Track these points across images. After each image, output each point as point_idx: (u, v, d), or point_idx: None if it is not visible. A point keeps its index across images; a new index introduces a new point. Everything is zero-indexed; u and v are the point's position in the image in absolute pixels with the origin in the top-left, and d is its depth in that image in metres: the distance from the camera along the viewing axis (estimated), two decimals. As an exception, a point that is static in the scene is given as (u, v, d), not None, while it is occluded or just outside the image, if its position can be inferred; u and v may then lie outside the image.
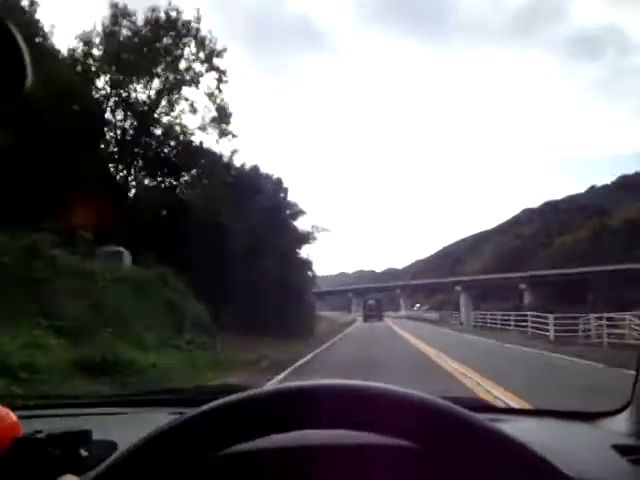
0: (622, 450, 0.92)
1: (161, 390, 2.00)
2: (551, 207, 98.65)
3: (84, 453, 0.76)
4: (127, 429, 0.54)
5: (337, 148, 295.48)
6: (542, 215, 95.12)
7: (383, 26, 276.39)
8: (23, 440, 0.72)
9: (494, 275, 66.26)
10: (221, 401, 0.52)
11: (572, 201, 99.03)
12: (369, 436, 0.56)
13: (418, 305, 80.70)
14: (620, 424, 1.12)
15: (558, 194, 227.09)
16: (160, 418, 0.50)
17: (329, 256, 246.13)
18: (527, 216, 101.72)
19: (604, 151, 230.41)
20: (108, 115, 22.71)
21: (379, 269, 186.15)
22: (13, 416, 0.75)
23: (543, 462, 0.48)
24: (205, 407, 0.52)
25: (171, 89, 23.68)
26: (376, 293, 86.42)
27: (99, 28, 22.65)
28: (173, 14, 23.18)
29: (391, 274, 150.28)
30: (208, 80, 24.49)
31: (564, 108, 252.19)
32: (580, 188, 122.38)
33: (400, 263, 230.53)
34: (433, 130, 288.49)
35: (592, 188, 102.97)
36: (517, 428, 0.89)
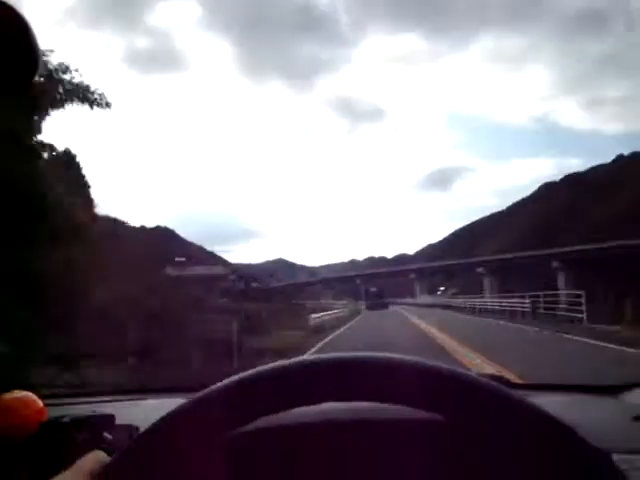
0: None
1: (181, 377, 1.89)
2: (575, 179, 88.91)
3: (108, 436, 0.76)
4: (149, 414, 0.52)
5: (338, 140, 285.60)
6: (566, 189, 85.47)
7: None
8: (48, 424, 0.74)
9: (522, 253, 56.60)
10: (242, 375, 0.51)
11: (598, 172, 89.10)
12: (398, 410, 0.54)
13: (442, 289, 66.86)
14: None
15: (579, 166, 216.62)
16: (181, 402, 0.49)
17: (339, 243, 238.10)
18: (548, 191, 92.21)
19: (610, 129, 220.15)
20: None
21: (390, 255, 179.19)
22: (40, 402, 0.77)
23: (572, 434, 0.47)
24: (219, 384, 0.51)
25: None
26: (387, 278, 78.08)
27: None
28: None
29: (403, 260, 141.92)
30: None
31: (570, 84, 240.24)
32: (605, 159, 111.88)
33: (411, 248, 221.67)
34: (435, 108, 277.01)
35: (620, 157, 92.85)
36: (540, 402, 0.73)
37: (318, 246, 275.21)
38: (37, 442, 0.71)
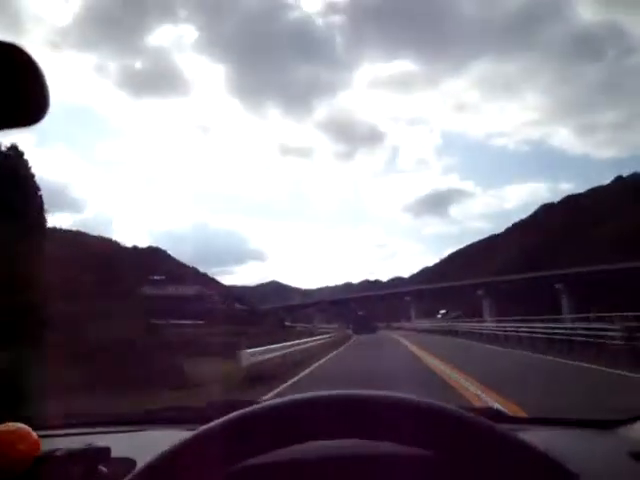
0: (639, 457, 0.92)
1: (178, 407, 2.02)
2: (574, 200, 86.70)
3: (103, 470, 0.76)
4: (145, 446, 0.56)
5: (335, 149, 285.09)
6: (565, 209, 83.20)
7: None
8: (43, 458, 0.72)
9: (524, 275, 53.86)
10: (236, 414, 0.51)
11: (597, 193, 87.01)
12: (385, 446, 0.55)
13: (443, 312, 61.17)
14: (637, 432, 1.12)
15: (572, 190, 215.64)
16: (178, 435, 0.51)
17: (334, 267, 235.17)
18: (547, 212, 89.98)
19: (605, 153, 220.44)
20: None
21: (385, 278, 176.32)
22: (34, 435, 0.75)
23: (561, 470, 0.47)
24: (219, 421, 0.51)
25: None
26: (382, 302, 75.00)
27: None
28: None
29: (398, 283, 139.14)
30: None
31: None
32: (603, 180, 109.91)
33: (407, 272, 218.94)
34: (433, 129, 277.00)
35: (619, 179, 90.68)
36: (534, 437, 0.87)
37: (313, 269, 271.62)
38: (32, 477, 0.69)
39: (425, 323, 52.18)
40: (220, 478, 0.50)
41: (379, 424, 0.50)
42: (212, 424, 0.51)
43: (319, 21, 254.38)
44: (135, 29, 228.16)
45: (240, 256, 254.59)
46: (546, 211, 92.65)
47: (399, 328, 56.09)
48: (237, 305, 60.72)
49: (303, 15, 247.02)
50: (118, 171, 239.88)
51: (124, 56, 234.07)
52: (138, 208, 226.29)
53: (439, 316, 58.11)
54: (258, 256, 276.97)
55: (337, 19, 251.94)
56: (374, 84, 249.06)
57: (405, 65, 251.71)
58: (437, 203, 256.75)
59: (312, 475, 0.78)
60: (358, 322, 57.05)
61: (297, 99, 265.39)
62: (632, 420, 1.18)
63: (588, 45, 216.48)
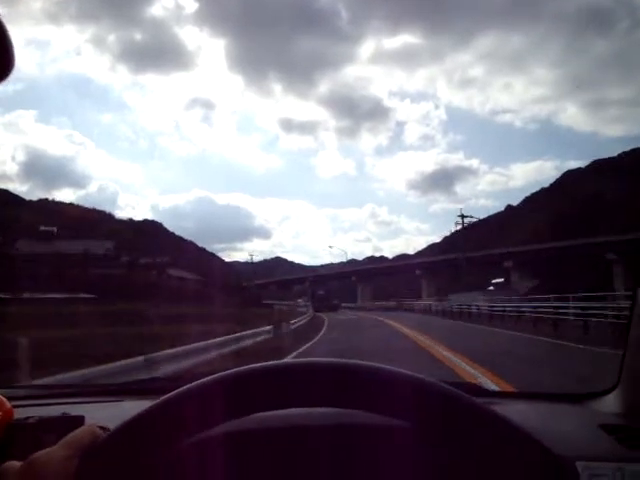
0: (609, 429, 0.93)
1: (157, 378, 2.13)
2: (607, 164, 74.23)
3: None
4: (120, 416, 0.51)
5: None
6: (595, 174, 70.78)
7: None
8: (15, 425, 0.70)
9: (563, 242, 41.78)
10: (207, 379, 0.50)
11: (630, 156, 74.46)
12: (361, 416, 0.54)
13: (498, 281, 42.91)
14: (608, 405, 1.13)
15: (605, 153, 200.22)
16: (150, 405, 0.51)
17: (338, 244, 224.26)
18: (574, 178, 77.66)
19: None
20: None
21: (391, 255, 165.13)
22: (7, 403, 0.73)
23: (533, 441, 0.48)
24: (188, 386, 0.50)
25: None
26: (386, 275, 63.48)
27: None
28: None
29: (404, 259, 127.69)
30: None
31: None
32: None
33: (412, 249, 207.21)
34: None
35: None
36: (507, 410, 0.91)
37: (317, 247, 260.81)
38: (4, 444, 0.67)
39: (461, 298, 37.27)
40: (186, 446, 0.49)
41: (356, 392, 0.49)
42: (178, 390, 0.50)
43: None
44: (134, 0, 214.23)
45: (245, 233, 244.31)
46: (573, 177, 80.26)
47: (411, 309, 44.64)
48: (185, 274, 49.35)
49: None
50: (121, 147, 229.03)
51: (124, 28, 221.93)
52: (142, 185, 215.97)
53: (491, 288, 40.35)
54: (263, 233, 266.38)
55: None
56: (378, 58, 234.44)
57: (409, 39, 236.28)
58: (443, 181, 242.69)
59: (284, 444, 0.74)
60: (319, 300, 55.01)
61: (300, 74, 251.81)
62: (602, 393, 1.18)
63: (597, 17, 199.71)
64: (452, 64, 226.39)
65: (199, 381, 0.50)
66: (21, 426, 0.69)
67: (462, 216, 52.97)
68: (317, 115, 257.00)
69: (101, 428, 0.62)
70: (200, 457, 0.65)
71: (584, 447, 0.85)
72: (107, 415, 0.86)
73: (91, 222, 77.60)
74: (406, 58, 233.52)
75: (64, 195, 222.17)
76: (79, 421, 0.72)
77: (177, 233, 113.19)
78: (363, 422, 0.73)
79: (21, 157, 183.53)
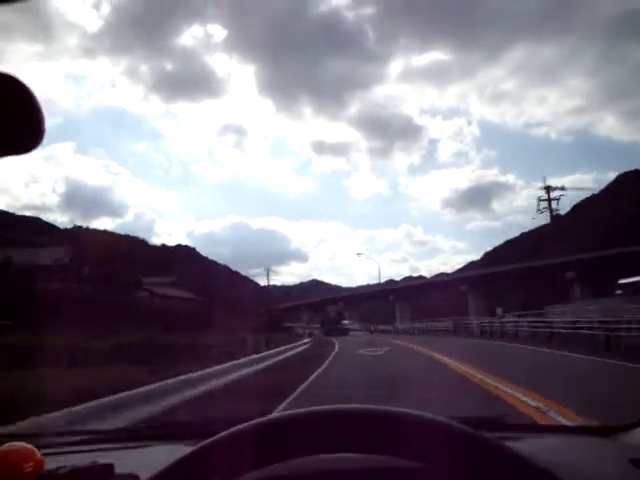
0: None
1: (181, 423, 2.06)
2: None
3: None
4: (149, 462, 0.54)
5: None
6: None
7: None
8: (47, 476, 0.70)
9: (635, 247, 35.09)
10: (240, 427, 0.50)
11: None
12: (383, 460, 0.54)
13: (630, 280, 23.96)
14: (637, 438, 1.09)
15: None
16: (182, 450, 0.50)
17: (374, 265, 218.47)
18: (629, 180, 70.29)
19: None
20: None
21: (429, 274, 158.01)
22: (38, 453, 0.74)
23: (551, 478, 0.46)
24: (222, 434, 0.50)
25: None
26: (426, 294, 57.46)
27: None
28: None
29: (442, 278, 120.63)
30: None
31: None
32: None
33: (450, 268, 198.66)
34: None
35: None
36: (536, 445, 0.90)
37: (353, 268, 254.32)
38: None
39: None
40: None
41: (385, 438, 0.48)
42: (214, 438, 0.50)
43: (349, 14, 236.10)
44: (164, 31, 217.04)
45: (281, 257, 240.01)
46: (628, 179, 72.75)
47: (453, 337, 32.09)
48: (187, 295, 44.70)
49: (332, 8, 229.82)
50: (156, 175, 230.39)
51: (155, 59, 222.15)
52: (177, 212, 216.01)
53: (619, 291, 24.61)
54: (299, 256, 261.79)
55: (367, 11, 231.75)
56: (408, 76, 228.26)
57: (439, 55, 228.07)
58: (478, 198, 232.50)
59: None
60: (329, 323, 52.45)
61: (329, 96, 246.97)
62: (631, 426, 1.14)
63: (632, 23, 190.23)
64: (483, 79, 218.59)
65: (233, 428, 0.49)
66: (53, 477, 0.69)
67: (547, 188, 43.94)
68: (348, 136, 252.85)
69: (130, 476, 0.65)
70: None
71: None
72: (136, 462, 0.86)
73: (123, 248, 75.65)
74: (436, 75, 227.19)
75: (102, 224, 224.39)
76: (108, 469, 0.74)
77: (213, 258, 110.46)
78: (390, 466, 0.69)
79: (61, 188, 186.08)
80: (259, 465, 0.49)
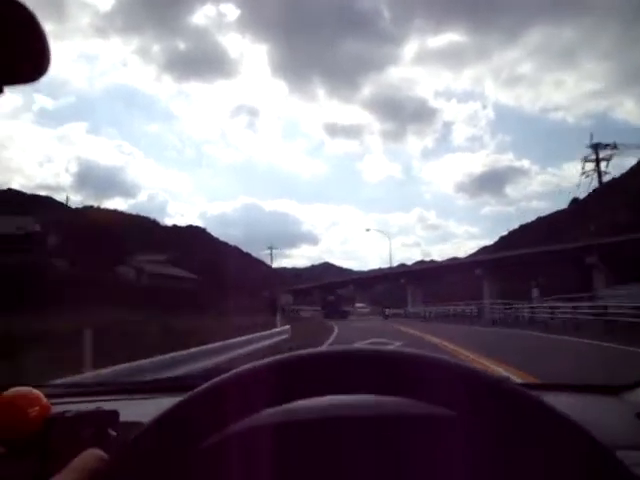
0: None
1: (191, 375, 2.14)
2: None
3: (112, 433, 0.75)
4: (153, 412, 0.51)
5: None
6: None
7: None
8: (52, 420, 0.71)
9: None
10: (238, 370, 0.49)
11: None
12: (409, 405, 0.54)
13: None
14: None
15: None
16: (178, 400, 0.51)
17: (386, 249, 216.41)
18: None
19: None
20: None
21: (441, 258, 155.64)
22: (44, 398, 0.75)
23: (578, 429, 0.46)
24: (221, 377, 0.49)
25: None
26: (438, 277, 55.69)
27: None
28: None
29: (455, 262, 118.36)
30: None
31: None
32: None
33: (462, 252, 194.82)
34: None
35: None
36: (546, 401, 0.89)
37: (365, 252, 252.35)
38: (41, 438, 0.68)
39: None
40: (218, 438, 0.49)
41: (407, 381, 0.48)
42: (208, 384, 0.49)
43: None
44: (176, 10, 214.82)
45: (293, 240, 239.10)
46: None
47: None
48: (183, 274, 42.69)
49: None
50: (169, 156, 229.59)
51: (168, 38, 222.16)
52: (190, 193, 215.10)
53: None
54: (311, 239, 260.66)
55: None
56: (422, 59, 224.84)
57: (454, 37, 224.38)
58: (492, 183, 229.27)
59: (327, 434, 0.72)
60: (329, 307, 52.06)
61: (343, 77, 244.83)
62: (635, 385, 1.19)
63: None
64: (499, 62, 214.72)
65: (233, 371, 0.49)
66: (58, 420, 0.70)
67: (595, 147, 37.24)
68: (362, 119, 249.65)
69: (134, 423, 0.64)
70: (242, 446, 0.63)
71: (622, 437, 0.85)
72: (140, 411, 0.87)
73: (134, 228, 74.71)
74: (451, 57, 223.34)
75: (115, 204, 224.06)
76: (113, 416, 0.75)
77: (224, 239, 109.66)
78: (407, 411, 0.70)
79: (74, 168, 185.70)
80: (258, 408, 0.48)
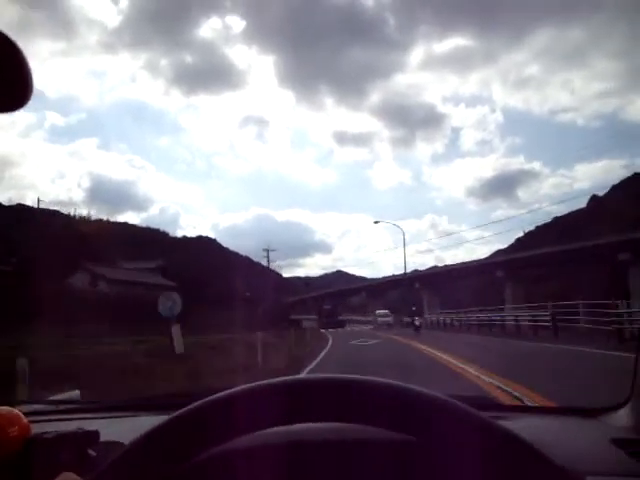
0: (621, 444, 0.92)
1: (168, 394, 1.92)
2: None
3: (92, 453, 0.75)
4: (134, 431, 0.51)
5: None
6: None
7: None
8: (32, 440, 0.71)
9: None
10: (211, 398, 0.50)
11: None
12: (365, 431, 0.54)
13: None
14: (620, 419, 1.11)
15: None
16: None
17: (399, 256, 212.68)
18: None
19: None
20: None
21: (454, 263, 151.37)
22: (24, 418, 0.74)
23: (538, 455, 0.46)
24: (196, 404, 0.50)
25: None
26: (454, 282, 52.34)
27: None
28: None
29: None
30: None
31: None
32: None
33: (476, 257, 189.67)
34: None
35: None
36: (519, 424, 0.91)
37: (378, 259, 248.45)
38: (20, 458, 0.68)
39: None
40: (197, 461, 0.49)
41: (361, 407, 0.48)
42: (190, 407, 0.49)
43: (369, 1, 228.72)
44: (182, 24, 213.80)
45: (306, 249, 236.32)
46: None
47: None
48: (148, 278, 38.36)
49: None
50: (179, 169, 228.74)
51: (175, 52, 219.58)
52: (201, 205, 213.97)
53: None
54: (323, 248, 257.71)
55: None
56: (429, 64, 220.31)
57: (460, 41, 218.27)
58: (503, 186, 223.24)
59: (290, 459, 0.73)
60: (326, 316, 51.21)
61: (350, 85, 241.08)
62: (615, 407, 1.16)
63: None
64: (506, 64, 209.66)
65: (213, 396, 0.49)
66: (38, 441, 0.70)
67: None
68: (370, 126, 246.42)
69: (114, 443, 0.66)
70: (212, 472, 0.64)
71: (596, 462, 0.84)
72: (121, 430, 0.87)
73: (144, 241, 72.95)
74: (458, 62, 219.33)
75: (127, 218, 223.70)
76: (94, 436, 0.75)
77: (234, 249, 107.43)
78: (368, 437, 0.70)
79: (86, 183, 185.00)
80: (233, 435, 0.49)
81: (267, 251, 66.10)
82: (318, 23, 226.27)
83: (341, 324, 47.50)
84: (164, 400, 1.61)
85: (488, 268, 45.82)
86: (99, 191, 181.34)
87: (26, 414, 0.74)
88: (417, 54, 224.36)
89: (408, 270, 55.96)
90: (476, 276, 51.84)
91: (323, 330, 34.93)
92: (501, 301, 39.92)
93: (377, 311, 46.01)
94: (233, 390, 0.49)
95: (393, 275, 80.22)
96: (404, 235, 49.31)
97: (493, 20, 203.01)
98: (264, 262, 73.48)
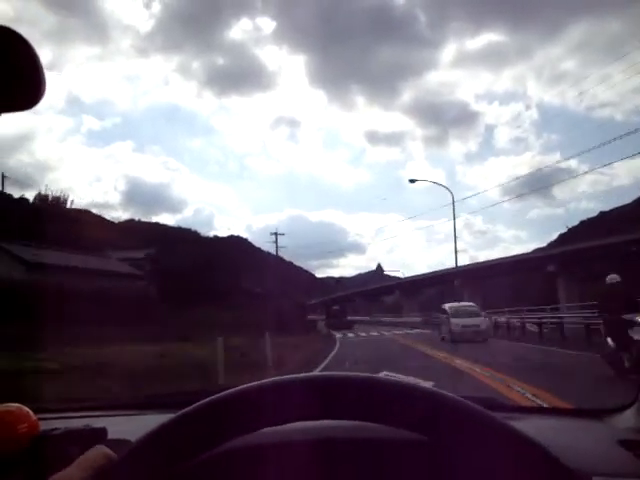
0: (628, 445, 0.92)
1: (175, 392, 1.96)
2: None
3: None
4: (142, 429, 0.52)
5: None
6: None
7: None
8: (41, 437, 0.72)
9: None
10: (218, 395, 0.50)
11: None
12: (379, 430, 0.54)
13: None
14: (627, 420, 1.11)
15: None
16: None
17: (434, 255, 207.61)
18: None
19: None
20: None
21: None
22: (32, 415, 0.75)
23: (547, 455, 0.46)
24: (202, 401, 0.50)
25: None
26: (497, 277, 48.26)
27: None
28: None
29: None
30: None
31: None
32: None
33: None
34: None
35: None
36: (525, 425, 0.85)
37: (413, 258, 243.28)
38: (29, 455, 0.69)
39: None
40: (202, 459, 0.49)
41: (376, 406, 0.48)
42: (196, 405, 0.49)
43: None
44: (213, 26, 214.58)
45: (340, 249, 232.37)
46: None
47: None
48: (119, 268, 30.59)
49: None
50: (212, 170, 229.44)
51: (206, 55, 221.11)
52: (235, 207, 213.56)
53: None
54: (357, 248, 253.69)
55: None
56: (461, 61, 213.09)
57: (493, 37, 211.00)
58: (539, 185, 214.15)
59: (300, 458, 0.73)
60: (333, 317, 49.32)
61: (382, 84, 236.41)
62: (621, 409, 1.17)
63: None
64: (541, 59, 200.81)
65: (221, 393, 0.50)
66: (47, 438, 0.70)
67: None
68: (402, 125, 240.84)
69: (122, 441, 0.66)
70: (221, 470, 0.66)
71: (602, 463, 0.84)
72: (129, 428, 0.88)
73: (175, 240, 71.87)
74: (491, 58, 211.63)
75: (162, 219, 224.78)
76: (102, 433, 0.75)
77: (266, 249, 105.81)
78: (380, 436, 0.71)
79: (122, 186, 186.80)
80: (240, 432, 0.49)
81: (275, 235, 62.06)
82: (348, 21, 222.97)
83: (349, 325, 45.53)
84: (171, 398, 1.65)
85: (538, 262, 41.36)
86: (135, 193, 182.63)
87: (35, 411, 0.74)
88: (449, 51, 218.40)
89: (443, 268, 51.60)
90: (522, 272, 47.43)
91: (339, 335, 30.95)
92: (552, 301, 35.49)
93: (447, 305, 23.55)
94: (240, 387, 0.49)
95: (425, 273, 76.16)
96: (453, 198, 41.83)
97: (527, 15, 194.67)
98: (300, 263, 69.96)
